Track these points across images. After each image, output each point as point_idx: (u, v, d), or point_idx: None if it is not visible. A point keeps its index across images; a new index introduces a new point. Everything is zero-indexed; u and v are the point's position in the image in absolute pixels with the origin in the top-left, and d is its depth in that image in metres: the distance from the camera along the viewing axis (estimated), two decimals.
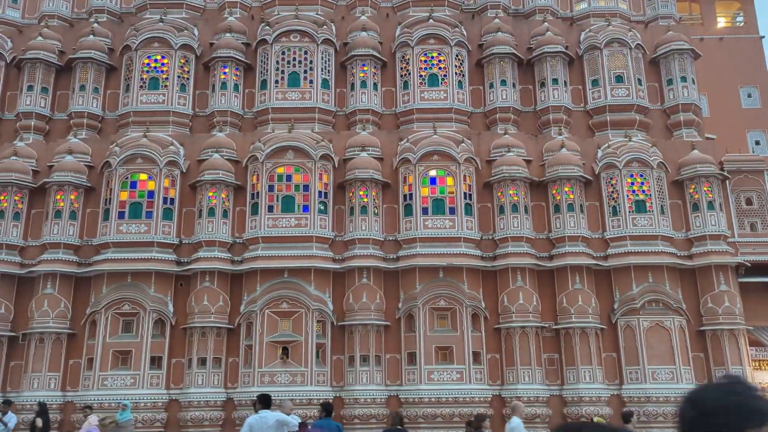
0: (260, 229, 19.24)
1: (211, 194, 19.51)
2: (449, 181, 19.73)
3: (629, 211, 19.43)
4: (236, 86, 21.40)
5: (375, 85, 21.42)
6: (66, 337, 18.71)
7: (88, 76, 21.32)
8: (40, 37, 21.69)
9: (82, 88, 21.22)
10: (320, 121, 20.98)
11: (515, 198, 19.50)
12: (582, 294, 18.69)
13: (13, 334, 18.74)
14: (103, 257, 18.96)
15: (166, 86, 21.18)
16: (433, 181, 19.76)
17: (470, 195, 19.74)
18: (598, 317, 18.72)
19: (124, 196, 19.57)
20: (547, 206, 19.90)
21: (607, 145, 20.32)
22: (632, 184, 19.66)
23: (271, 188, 19.66)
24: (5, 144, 20.66)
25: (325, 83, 21.34)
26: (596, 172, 20.03)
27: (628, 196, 19.55)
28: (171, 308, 18.88)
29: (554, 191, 19.75)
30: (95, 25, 22.11)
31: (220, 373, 18.36)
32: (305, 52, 21.52)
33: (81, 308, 18.98)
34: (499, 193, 19.75)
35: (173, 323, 18.80)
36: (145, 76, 21.28)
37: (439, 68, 21.41)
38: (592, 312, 18.57)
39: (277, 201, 19.56)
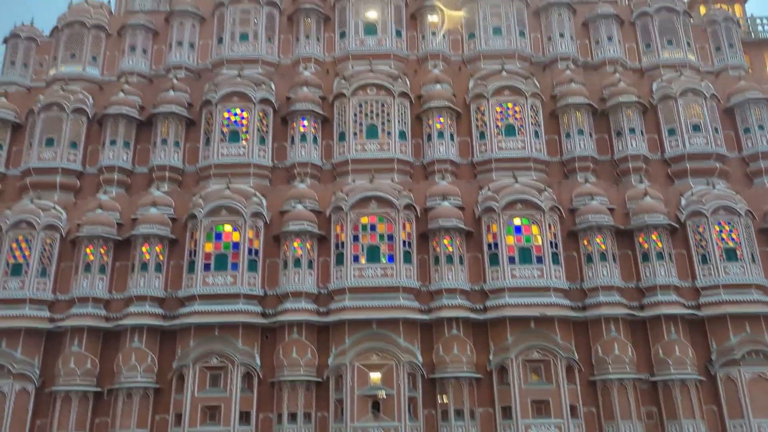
0: (346, 280, 19.11)
1: (296, 245, 19.49)
2: (534, 229, 19.64)
3: (720, 260, 19.19)
4: (315, 138, 21.67)
5: (451, 135, 21.63)
6: (153, 392, 18.42)
7: (169, 130, 21.68)
8: (121, 93, 22.16)
9: (164, 141, 21.55)
10: (399, 171, 21.12)
11: (602, 246, 19.35)
12: (679, 344, 18.30)
13: (98, 389, 18.47)
14: (190, 309, 18.84)
15: (246, 139, 21.45)
16: (518, 230, 19.68)
17: (556, 244, 19.61)
18: (696, 368, 18.25)
19: (209, 247, 19.59)
20: (633, 255, 19.71)
21: (690, 193, 20.24)
22: (720, 231, 19.50)
23: (355, 238, 19.63)
24: (88, 198, 20.85)
25: (402, 135, 21.58)
26: (682, 220, 19.89)
27: (717, 244, 19.35)
28: (258, 361, 18.61)
29: (641, 239, 19.59)
30: (174, 80, 22.60)
31: (311, 428, 17.96)
32: (382, 105, 21.84)
33: (167, 362, 18.76)
34: (586, 242, 19.61)
35: (261, 377, 18.49)
36: (225, 130, 21.59)
37: (515, 119, 21.62)
38: (690, 363, 18.13)
39: (363, 251, 19.50)
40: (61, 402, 18.04)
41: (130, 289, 19.24)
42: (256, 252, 19.71)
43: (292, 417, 17.91)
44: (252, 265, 19.49)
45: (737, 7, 29.03)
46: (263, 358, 18.78)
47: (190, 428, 17.69)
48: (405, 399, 17.97)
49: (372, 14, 23.91)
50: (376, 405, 18.01)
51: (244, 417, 18.05)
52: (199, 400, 18.04)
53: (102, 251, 19.64)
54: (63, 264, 19.85)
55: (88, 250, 19.53)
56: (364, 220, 19.85)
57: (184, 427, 17.70)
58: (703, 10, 27.50)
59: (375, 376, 18.25)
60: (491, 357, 18.62)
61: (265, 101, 21.94)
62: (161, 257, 19.73)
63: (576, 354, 18.52)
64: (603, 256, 19.25)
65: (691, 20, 24.36)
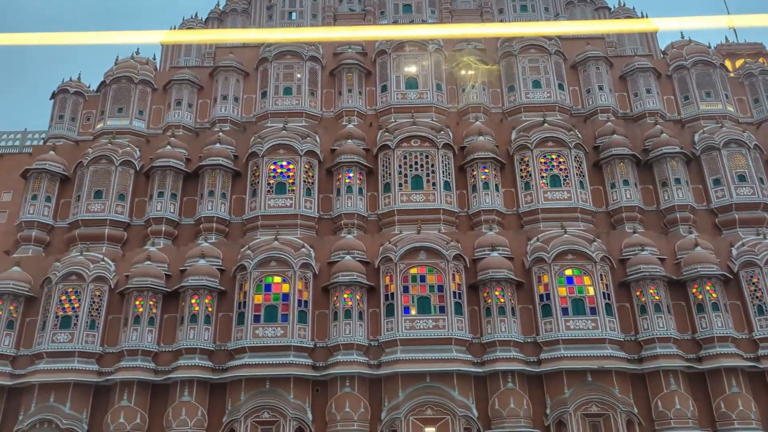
0: (398, 331, 18.90)
1: (346, 296, 19.38)
2: (586, 280, 19.49)
3: None
4: (360, 190, 21.81)
5: (497, 186, 21.74)
6: None
7: (216, 182, 21.86)
8: (168, 146, 22.46)
9: (211, 193, 21.71)
10: (445, 222, 21.15)
11: (656, 297, 19.17)
12: (741, 398, 17.93)
13: None
14: (240, 362, 18.60)
15: (293, 191, 21.61)
16: (569, 280, 19.54)
17: (608, 295, 19.44)
18: (760, 422, 17.80)
19: (259, 299, 19.49)
20: (687, 306, 19.50)
21: (741, 243, 20.18)
22: None
23: (405, 289, 19.52)
24: (136, 249, 20.87)
25: (446, 185, 21.71)
26: (734, 271, 19.73)
27: None
28: (310, 415, 18.25)
29: (694, 290, 19.42)
30: (220, 134, 22.93)
31: None
32: (426, 156, 22.05)
33: (216, 416, 18.42)
34: (638, 293, 19.44)
35: None
36: (271, 181, 21.78)
37: (560, 169, 21.76)
38: (755, 418, 17.68)
39: (413, 302, 19.36)
40: None
41: (179, 342, 19.04)
42: (306, 303, 19.58)
43: None
44: (302, 317, 19.34)
45: (762, 60, 29.58)
46: (314, 412, 18.44)
47: None
48: None
49: (412, 69, 24.40)
50: None
51: None
52: None
53: (151, 303, 19.52)
54: (111, 316, 19.73)
55: (137, 302, 19.42)
56: (414, 270, 19.77)
57: None
58: (729, 64, 28.02)
59: (430, 430, 17.84)
60: (548, 411, 18.23)
61: (310, 153, 22.20)
62: (210, 309, 19.59)
63: (635, 408, 18.12)
64: (657, 307, 19.05)
65: (729, 73, 24.76)
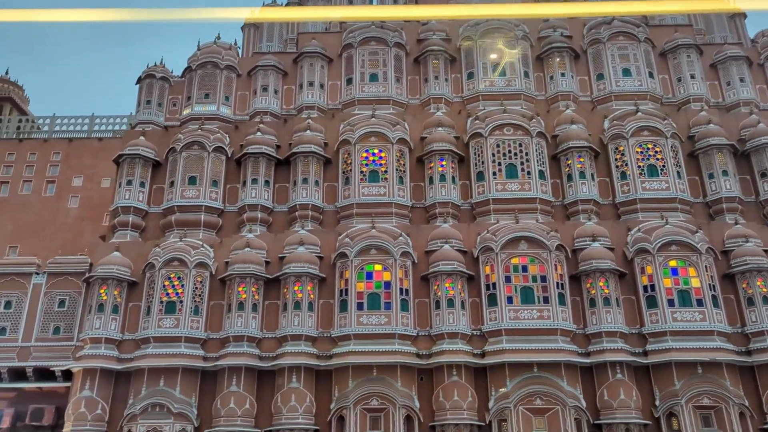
0: (502, 321, 18.84)
1: (448, 285, 19.32)
2: (692, 271, 19.31)
3: None
4: (453, 178, 21.67)
5: (592, 175, 21.52)
6: None
7: (309, 169, 21.81)
8: (259, 133, 22.42)
9: (305, 181, 21.66)
10: (542, 211, 21.00)
11: (764, 290, 18.96)
12: None
13: (257, 430, 18.18)
14: (346, 349, 18.64)
15: (386, 179, 21.52)
16: (674, 271, 19.37)
17: (714, 286, 19.24)
18: None
19: (361, 287, 19.48)
20: None
21: None
22: None
23: (507, 279, 19.43)
24: (233, 236, 20.90)
25: (541, 174, 21.52)
26: None
27: None
28: (417, 403, 18.28)
29: None
30: (309, 121, 22.84)
31: None
32: (520, 145, 21.85)
33: (322, 403, 18.49)
34: (745, 285, 19.25)
35: (421, 420, 18.13)
36: (364, 169, 21.69)
37: (656, 159, 21.49)
38: None
39: (516, 292, 19.27)
40: None
41: (283, 328, 19.11)
42: (407, 291, 19.56)
43: None
44: (404, 305, 19.32)
45: None
46: (420, 401, 18.47)
47: None
48: None
49: (499, 55, 24.14)
50: None
51: None
52: None
53: (253, 289, 19.57)
54: (212, 302, 19.81)
55: (240, 289, 19.49)
56: (515, 260, 19.66)
57: None
58: None
59: (540, 420, 17.83)
60: (658, 402, 18.14)
61: (401, 141, 22.07)
62: (312, 296, 19.62)
63: (746, 400, 18.00)
64: (766, 300, 18.85)
65: None
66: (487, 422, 18.03)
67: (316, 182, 21.83)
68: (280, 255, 20.25)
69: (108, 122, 32.36)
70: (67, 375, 19.24)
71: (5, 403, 19.52)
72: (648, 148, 21.69)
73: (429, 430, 18.16)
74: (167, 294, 19.50)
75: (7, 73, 35.28)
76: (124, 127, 32.25)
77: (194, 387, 18.71)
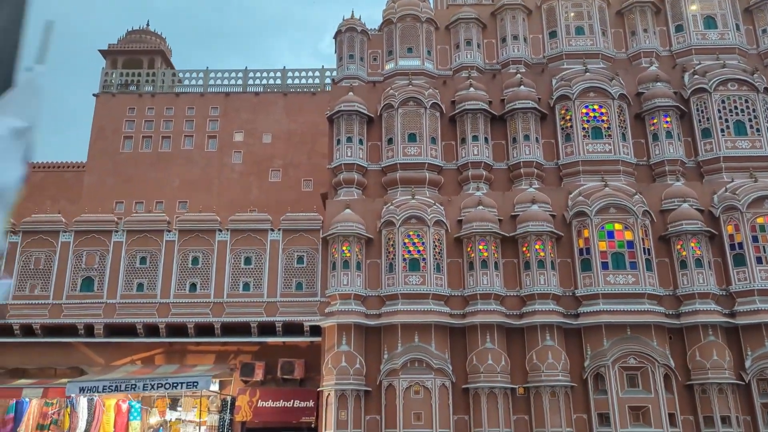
0: (754, 282, 18.69)
1: (693, 245, 19.14)
2: None
3: None
4: (678, 135, 21.23)
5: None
6: (570, 390, 18.31)
7: (530, 126, 21.48)
8: (471, 88, 22.03)
9: (526, 137, 21.35)
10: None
11: None
12: None
13: (513, 386, 18.43)
14: (596, 309, 18.66)
15: (609, 135, 21.13)
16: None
17: None
18: None
19: (603, 246, 19.36)
20: None
21: None
22: None
23: (755, 239, 19.19)
24: (461, 194, 20.78)
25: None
26: None
27: None
28: (672, 362, 18.33)
29: None
30: (519, 75, 22.37)
31: None
32: (746, 101, 21.26)
33: (574, 360, 18.62)
34: None
35: (679, 378, 18.24)
36: (586, 126, 21.30)
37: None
38: None
39: (765, 252, 19.03)
40: (487, 399, 18.05)
41: (528, 287, 19.15)
42: (649, 251, 19.43)
43: (723, 421, 17.62)
44: (647, 265, 19.22)
45: None
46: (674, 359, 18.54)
47: (621, 429, 17.54)
48: None
49: (710, 7, 23.27)
50: None
51: (670, 419, 17.82)
52: (624, 400, 17.87)
53: (493, 248, 19.56)
54: (449, 260, 19.87)
55: (480, 247, 19.47)
56: (760, 220, 19.39)
57: (615, 427, 17.55)
58: None
59: None
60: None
61: (621, 97, 21.57)
62: (542, 254, 19.52)
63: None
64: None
65: None
66: (746, 382, 18.09)
67: (537, 139, 21.53)
68: (512, 213, 20.17)
69: (262, 76, 32.09)
70: (313, 330, 19.55)
71: (248, 356, 19.94)
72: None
73: (686, 389, 18.27)
74: (408, 251, 19.56)
75: (148, 24, 34.95)
76: (278, 82, 32.03)
77: (446, 343, 18.90)
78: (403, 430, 17.75)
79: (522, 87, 22.00)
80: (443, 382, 18.34)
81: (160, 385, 16.50)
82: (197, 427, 19.23)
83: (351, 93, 22.41)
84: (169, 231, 20.33)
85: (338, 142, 21.80)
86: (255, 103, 31.22)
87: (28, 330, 19.49)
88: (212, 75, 31.97)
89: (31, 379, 18.53)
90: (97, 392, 16.57)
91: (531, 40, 23.79)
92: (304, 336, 19.54)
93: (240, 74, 32.01)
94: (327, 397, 18.34)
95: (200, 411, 19.10)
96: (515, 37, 23.48)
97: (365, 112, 22.01)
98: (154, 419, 19.18)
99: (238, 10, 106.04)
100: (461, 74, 22.96)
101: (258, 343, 19.92)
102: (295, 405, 19.26)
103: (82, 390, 16.28)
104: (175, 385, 16.49)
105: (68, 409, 17.21)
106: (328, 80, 31.87)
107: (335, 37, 24.13)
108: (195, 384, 16.48)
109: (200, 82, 31.91)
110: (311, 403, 19.24)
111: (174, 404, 19.25)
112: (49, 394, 16.80)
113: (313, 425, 19.20)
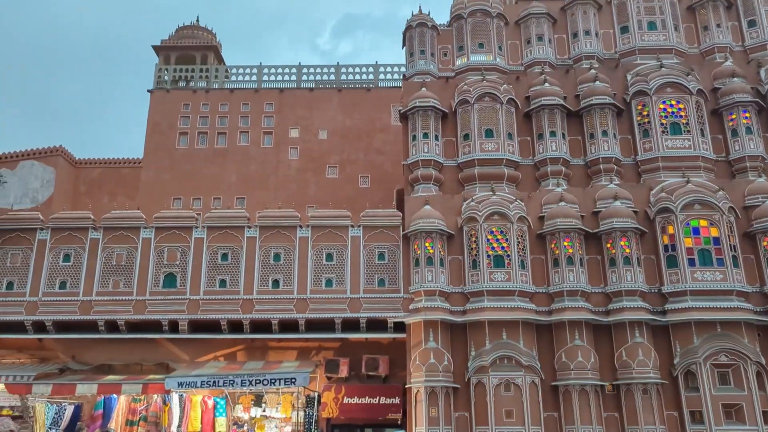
0: None
1: None
2: None
3: None
4: (758, 131, 21.05)
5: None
6: (660, 388, 18.21)
7: (607, 122, 21.34)
8: (546, 84, 21.90)
9: (604, 133, 21.21)
10: None
11: None
12: None
13: (601, 383, 18.33)
14: (684, 305, 18.50)
15: (688, 131, 20.96)
16: None
17: None
18: None
19: (689, 242, 19.22)
20: None
21: None
22: None
23: None
24: (541, 191, 20.66)
25: None
26: None
27: None
28: (763, 359, 18.18)
29: None
30: (593, 71, 22.23)
31: None
32: None
33: (662, 357, 18.51)
34: None
35: None
36: (664, 122, 21.14)
37: None
38: None
39: None
40: (578, 396, 17.97)
41: (614, 284, 19.04)
42: (735, 248, 19.27)
43: None
44: (734, 261, 19.05)
45: None
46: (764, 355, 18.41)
47: (716, 427, 17.43)
48: None
49: None
50: None
51: (765, 417, 17.68)
52: (717, 398, 17.76)
53: (577, 244, 19.45)
54: (533, 256, 19.76)
55: (566, 243, 19.36)
56: None
57: (709, 425, 17.44)
58: None
59: None
60: None
61: (699, 92, 21.39)
62: (629, 251, 19.39)
63: None
64: None
65: None
66: None
67: (614, 135, 21.39)
68: (594, 210, 20.05)
69: (316, 72, 32.03)
70: (396, 326, 19.51)
71: (330, 353, 19.91)
72: None
73: None
74: (492, 248, 19.47)
75: (198, 20, 34.91)
76: (332, 77, 31.97)
77: (533, 340, 18.83)
78: (495, 428, 17.71)
79: (597, 82, 21.86)
80: (533, 379, 18.26)
81: (258, 381, 16.51)
82: (281, 424, 19.26)
83: (424, 89, 22.32)
84: (249, 227, 20.30)
85: (414, 138, 21.69)
86: (309, 99, 31.16)
87: (112, 326, 19.53)
88: (265, 71, 31.92)
89: (119, 375, 18.57)
90: (196, 387, 16.59)
91: (602, 35, 23.64)
92: (387, 332, 19.48)
93: (294, 70, 31.96)
94: (416, 394, 18.30)
95: (285, 407, 19.13)
96: (587, 32, 23.32)
97: (440, 107, 21.92)
98: (239, 415, 19.20)
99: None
100: (533, 70, 22.87)
101: (339, 340, 19.89)
102: (380, 401, 19.21)
103: (180, 385, 16.30)
104: (272, 381, 16.50)
105: (167, 406, 17.22)
106: (381, 76, 31.77)
107: (405, 33, 23.99)
108: (293, 380, 16.47)
109: (253, 77, 31.87)
110: (397, 400, 19.20)
111: (258, 401, 19.27)
112: (149, 390, 16.81)
113: (399, 422, 19.17)
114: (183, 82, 32.47)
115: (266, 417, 19.20)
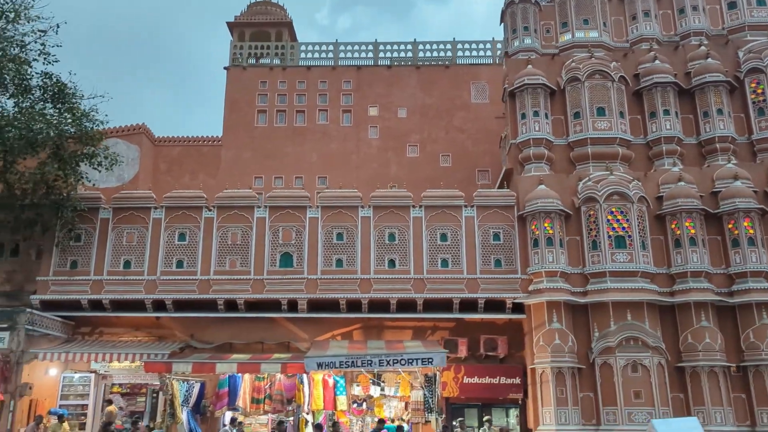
0: None
1: None
2: None
3: None
4: None
5: None
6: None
7: (722, 100, 20.96)
8: (657, 61, 21.48)
9: (719, 112, 20.83)
10: None
11: None
12: None
13: (728, 364, 18.22)
14: None
15: None
16: None
17: None
18: None
19: None
20: None
21: None
22: None
23: None
24: (657, 170, 20.38)
25: None
26: None
27: None
28: None
29: None
30: (702, 48, 21.77)
31: None
32: None
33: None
34: None
35: None
36: None
37: None
38: None
39: None
40: (707, 377, 17.88)
41: (737, 265, 18.84)
42: None
43: None
44: None
45: None
46: None
47: None
48: None
49: None
50: None
51: None
52: None
53: (699, 225, 19.20)
54: (652, 237, 19.54)
55: (687, 224, 19.12)
56: None
57: None
58: None
59: None
60: None
61: None
62: (751, 231, 19.12)
63: None
64: None
65: None
66: None
67: (729, 113, 20.99)
68: (713, 190, 19.76)
69: (393, 49, 31.64)
70: (515, 307, 19.43)
71: (445, 332, 19.88)
72: None
73: None
74: (613, 228, 19.26)
75: None
76: (409, 55, 31.58)
77: (657, 321, 18.69)
78: (624, 408, 17.68)
79: (710, 59, 21.41)
80: (659, 360, 18.17)
81: (396, 361, 16.49)
82: (400, 403, 19.33)
83: (530, 66, 21.95)
84: (363, 207, 20.18)
85: (523, 116, 21.38)
86: (387, 76, 30.84)
87: (231, 305, 19.58)
88: (342, 48, 31.56)
89: (242, 354, 18.65)
90: (334, 367, 16.63)
91: (708, 11, 23.11)
92: (505, 313, 19.41)
93: (370, 47, 31.58)
94: (541, 374, 18.29)
95: (404, 387, 19.17)
96: (694, 8, 22.82)
97: (549, 84, 21.57)
98: (357, 394, 19.29)
99: None
100: (640, 47, 22.43)
101: (454, 320, 19.83)
102: (501, 381, 19.21)
103: (319, 365, 16.33)
104: (410, 361, 16.48)
105: (302, 385, 17.29)
106: (460, 53, 31.33)
107: (505, 8, 23.57)
108: (430, 360, 16.45)
109: (330, 55, 31.55)
110: (518, 380, 19.17)
111: (377, 380, 19.32)
112: (288, 370, 16.86)
113: (520, 402, 19.20)
114: (253, 59, 32.16)
115: (385, 396, 19.28)
